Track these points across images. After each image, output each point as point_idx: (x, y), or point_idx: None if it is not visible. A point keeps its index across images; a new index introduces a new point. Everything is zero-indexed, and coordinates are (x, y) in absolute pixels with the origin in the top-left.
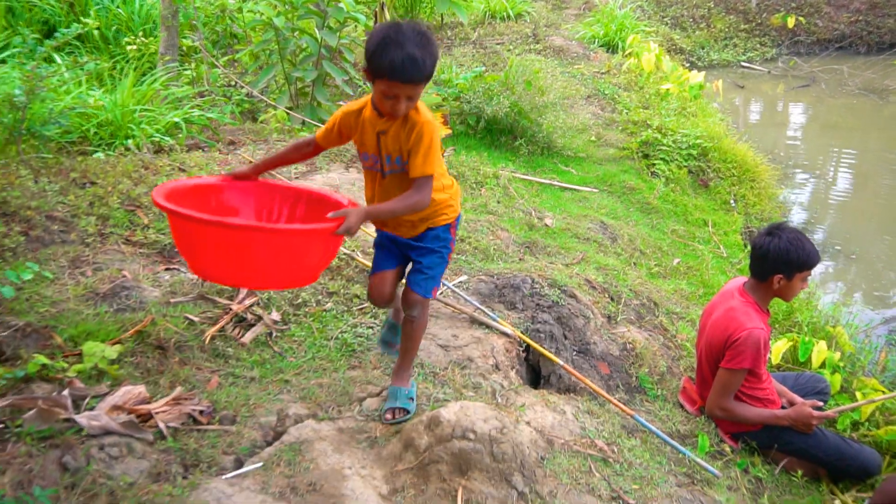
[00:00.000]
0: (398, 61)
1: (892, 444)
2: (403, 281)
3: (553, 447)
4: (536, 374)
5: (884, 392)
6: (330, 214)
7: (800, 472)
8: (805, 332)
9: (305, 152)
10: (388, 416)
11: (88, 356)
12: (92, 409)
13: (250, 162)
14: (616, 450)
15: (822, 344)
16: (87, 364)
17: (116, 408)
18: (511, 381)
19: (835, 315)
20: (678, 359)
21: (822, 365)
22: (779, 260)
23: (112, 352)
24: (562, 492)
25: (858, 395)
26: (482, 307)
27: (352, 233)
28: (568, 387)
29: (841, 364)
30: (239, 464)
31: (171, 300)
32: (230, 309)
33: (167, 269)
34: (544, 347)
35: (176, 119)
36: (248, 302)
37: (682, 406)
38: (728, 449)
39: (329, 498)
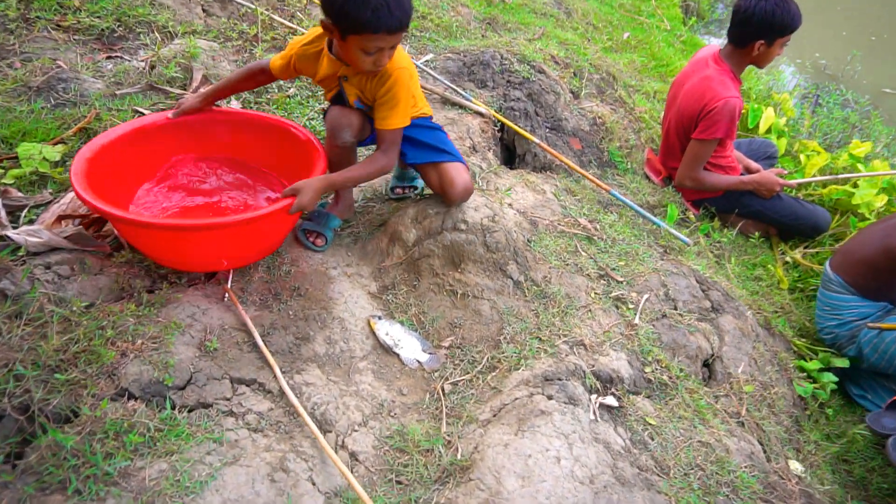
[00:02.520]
0: (383, 8)
1: (838, 203)
2: None
3: (538, 229)
4: (511, 153)
5: (819, 152)
6: (283, 193)
7: (757, 234)
8: (752, 99)
9: (259, 80)
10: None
11: (25, 159)
12: (31, 221)
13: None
14: (598, 227)
15: (770, 110)
16: (25, 168)
17: (63, 217)
18: (490, 162)
19: (778, 82)
20: (638, 131)
21: (769, 130)
22: (763, 23)
23: (53, 152)
24: (554, 276)
25: (802, 157)
26: (453, 86)
27: (308, 209)
28: (544, 165)
29: (785, 129)
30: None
31: (117, 92)
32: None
33: (109, 58)
34: (519, 126)
35: None
36: (203, 90)
37: (647, 177)
38: (691, 216)
39: (316, 303)
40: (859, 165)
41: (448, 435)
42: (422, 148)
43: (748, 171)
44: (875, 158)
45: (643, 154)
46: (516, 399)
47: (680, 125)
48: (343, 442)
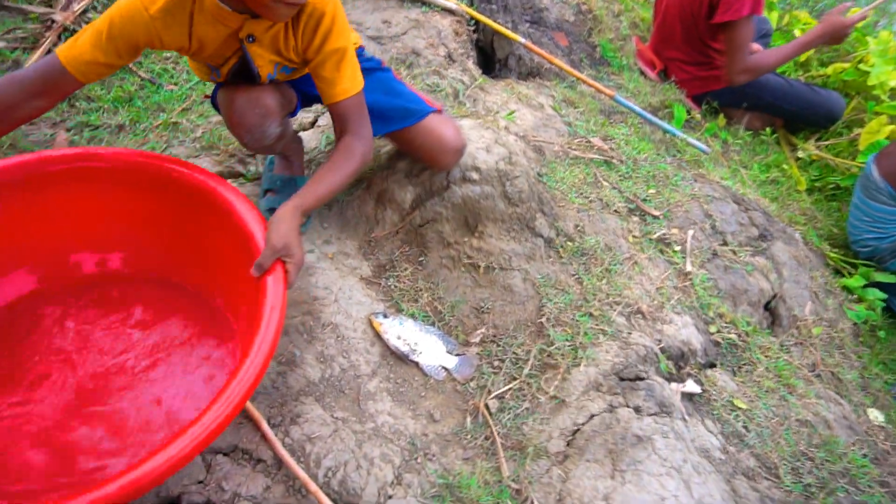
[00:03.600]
0: None
1: (848, 85)
2: None
3: (545, 157)
4: (488, 58)
5: (810, 23)
6: (256, 270)
7: (769, 130)
8: None
9: (46, 100)
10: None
11: None
12: None
13: None
14: (613, 146)
15: None
16: None
17: None
18: (471, 73)
19: None
20: (618, 14)
21: None
22: None
23: None
24: (586, 222)
25: (796, 32)
26: None
27: (300, 259)
28: (530, 70)
29: (775, 1)
30: None
31: None
32: (52, 21)
33: None
34: (497, 22)
35: None
36: (76, 6)
37: (642, 73)
38: (696, 115)
39: (295, 307)
40: (868, 39)
41: (514, 481)
42: (377, 114)
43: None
44: (883, 30)
45: (631, 44)
46: (593, 417)
47: (684, 6)
48: None
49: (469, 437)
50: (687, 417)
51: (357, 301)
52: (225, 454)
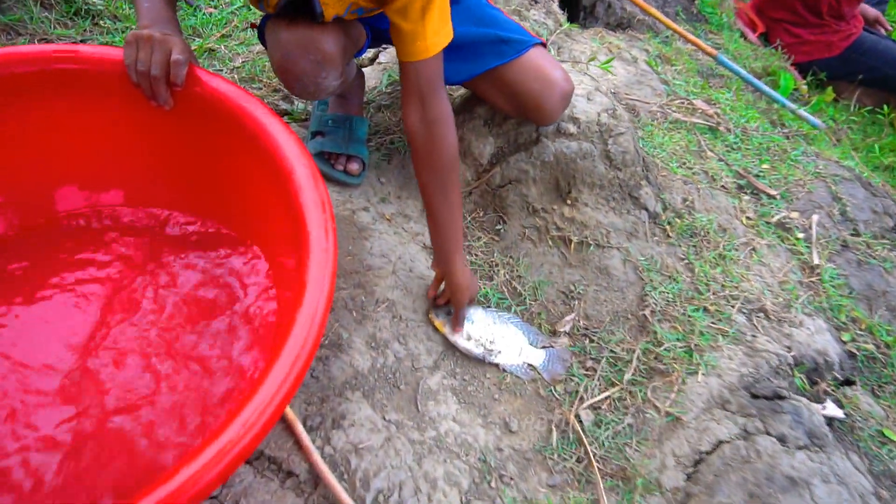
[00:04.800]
0: None
1: None
2: None
3: (640, 118)
4: (573, 4)
5: None
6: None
7: (886, 108)
8: None
9: None
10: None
11: None
12: None
13: None
14: (718, 111)
15: None
16: None
17: None
18: (557, 17)
19: None
20: None
21: None
22: None
23: None
24: (695, 197)
25: None
26: None
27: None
28: (619, 21)
29: None
30: None
31: None
32: None
33: None
34: None
35: None
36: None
37: (742, 34)
38: (802, 88)
39: (345, 278)
40: None
41: None
42: (468, 50)
43: (865, 18)
44: None
45: (729, 1)
46: (722, 444)
47: None
48: None
49: (556, 456)
50: (832, 451)
51: (419, 275)
52: (248, 462)
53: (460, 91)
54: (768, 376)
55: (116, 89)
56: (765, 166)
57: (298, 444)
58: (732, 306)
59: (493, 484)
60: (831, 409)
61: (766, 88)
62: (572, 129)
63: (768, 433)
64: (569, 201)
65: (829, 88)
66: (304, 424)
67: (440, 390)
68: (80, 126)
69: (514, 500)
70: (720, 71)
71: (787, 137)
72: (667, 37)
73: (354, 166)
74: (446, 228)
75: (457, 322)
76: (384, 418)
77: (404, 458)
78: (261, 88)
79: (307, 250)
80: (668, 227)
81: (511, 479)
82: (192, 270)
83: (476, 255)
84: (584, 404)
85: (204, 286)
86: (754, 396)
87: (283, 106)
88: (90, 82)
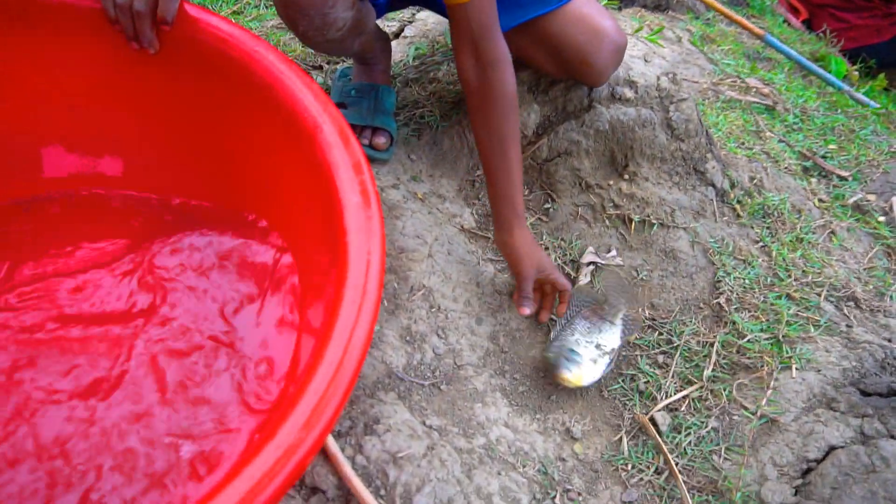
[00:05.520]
0: None
1: None
2: None
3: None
4: None
5: None
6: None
7: None
8: None
9: None
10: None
11: None
12: None
13: None
14: (773, 90)
15: None
16: None
17: None
18: None
19: None
20: None
21: None
22: None
23: None
24: (763, 175)
25: None
26: None
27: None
28: (657, 3)
29: None
30: None
31: None
32: None
33: None
34: None
35: None
36: None
37: (785, 21)
38: (853, 74)
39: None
40: None
41: None
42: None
43: None
44: None
45: None
46: (834, 450)
47: None
48: None
49: (630, 466)
50: None
51: (458, 259)
52: None
53: None
54: (875, 371)
55: (90, 28)
56: (831, 147)
57: (325, 453)
58: (818, 294)
59: (557, 500)
60: None
61: (819, 70)
62: (629, 93)
63: (892, 436)
64: (626, 175)
65: (881, 76)
66: (331, 430)
67: (488, 391)
68: (50, 75)
69: None
70: (767, 54)
71: (850, 119)
72: (708, 18)
73: (381, 140)
74: (504, 188)
75: (519, 297)
76: (424, 423)
77: (451, 470)
78: None
79: (343, 231)
80: (737, 207)
81: (578, 493)
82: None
83: None
84: (659, 405)
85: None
86: (865, 394)
87: None
88: (74, 20)
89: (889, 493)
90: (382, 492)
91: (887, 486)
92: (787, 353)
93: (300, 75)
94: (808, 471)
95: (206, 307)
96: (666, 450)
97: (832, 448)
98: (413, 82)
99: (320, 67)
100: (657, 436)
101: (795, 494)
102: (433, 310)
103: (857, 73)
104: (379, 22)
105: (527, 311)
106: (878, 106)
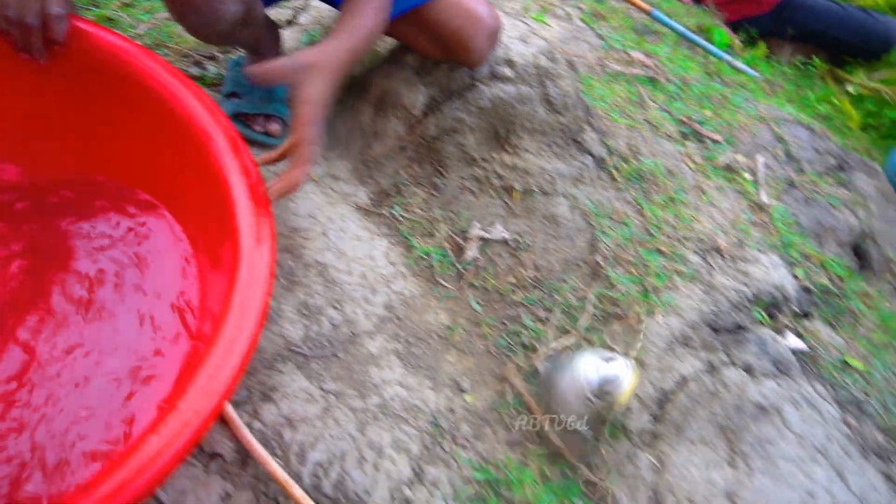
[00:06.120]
0: None
1: None
2: None
3: (579, 72)
4: None
5: None
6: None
7: (817, 59)
8: None
9: None
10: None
11: None
12: None
13: None
14: (656, 63)
15: None
16: None
17: None
18: None
19: None
20: None
21: None
22: None
23: None
24: (640, 142)
25: None
26: None
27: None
28: None
29: None
30: None
31: None
32: None
33: None
34: None
35: None
36: None
37: None
38: (736, 44)
39: (280, 238)
40: None
41: (585, 475)
42: None
43: None
44: None
45: None
46: (688, 380)
47: None
48: None
49: (514, 413)
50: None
51: (353, 235)
52: None
53: (388, 41)
54: (729, 311)
55: None
56: (707, 113)
57: (224, 421)
58: (686, 247)
59: (446, 447)
60: (793, 342)
61: (702, 41)
62: (508, 72)
63: (734, 364)
64: (509, 149)
65: (762, 44)
66: (230, 400)
67: (382, 355)
68: None
69: (471, 461)
70: (655, 28)
71: (727, 86)
72: None
73: (274, 126)
74: (359, 31)
75: (298, 165)
76: (322, 388)
77: (345, 428)
78: (168, 55)
79: (236, 229)
80: (614, 172)
81: (466, 440)
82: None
83: (413, 211)
84: (539, 356)
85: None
86: (716, 331)
87: (194, 71)
88: None
89: (726, 411)
90: (279, 452)
91: (725, 406)
92: (654, 301)
93: (187, 84)
94: (665, 401)
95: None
96: (528, 397)
97: (685, 379)
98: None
99: (214, 58)
100: (517, 385)
101: (654, 421)
102: (329, 284)
103: (739, 42)
104: (272, 10)
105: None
106: (758, 74)
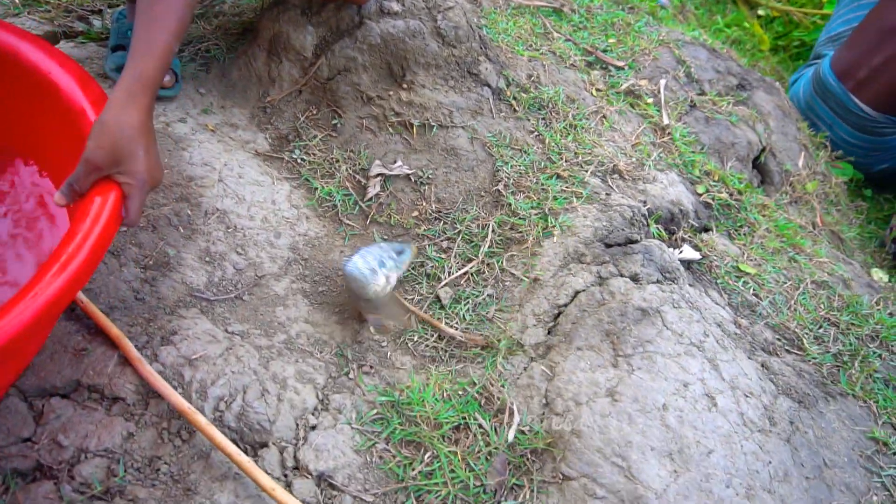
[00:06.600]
0: None
1: None
2: None
3: (481, 7)
4: None
5: None
6: (56, 198)
7: None
8: None
9: None
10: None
11: None
12: None
13: None
14: None
15: None
16: None
17: None
18: None
19: None
20: None
21: None
22: None
23: None
24: (541, 72)
25: None
26: None
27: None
28: None
29: None
30: None
31: None
32: None
33: None
34: None
35: None
36: None
37: None
38: None
39: (166, 192)
40: None
41: (483, 387)
42: None
43: None
44: None
45: None
46: (579, 294)
47: None
48: (297, 459)
49: (417, 338)
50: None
51: (252, 180)
52: (63, 395)
53: None
54: (622, 227)
55: None
56: (611, 41)
57: (127, 360)
58: (586, 171)
59: (352, 375)
60: (688, 253)
61: None
62: (396, 6)
63: (621, 275)
64: (405, 85)
65: None
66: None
67: (289, 295)
68: None
69: (376, 387)
70: None
71: (633, 12)
72: None
73: (166, 78)
74: (147, 31)
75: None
76: (227, 330)
77: (248, 364)
78: (49, 10)
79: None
80: (513, 103)
81: (371, 367)
82: None
83: (314, 153)
84: (442, 284)
85: None
86: (608, 246)
87: (79, 26)
88: None
89: (611, 318)
90: (179, 390)
91: (611, 313)
92: (551, 223)
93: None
94: (559, 314)
95: None
96: (435, 321)
97: (577, 293)
98: (198, 18)
99: (99, 11)
100: (419, 313)
101: (548, 334)
102: (230, 230)
103: None
104: None
105: (61, 203)
106: (669, 5)
